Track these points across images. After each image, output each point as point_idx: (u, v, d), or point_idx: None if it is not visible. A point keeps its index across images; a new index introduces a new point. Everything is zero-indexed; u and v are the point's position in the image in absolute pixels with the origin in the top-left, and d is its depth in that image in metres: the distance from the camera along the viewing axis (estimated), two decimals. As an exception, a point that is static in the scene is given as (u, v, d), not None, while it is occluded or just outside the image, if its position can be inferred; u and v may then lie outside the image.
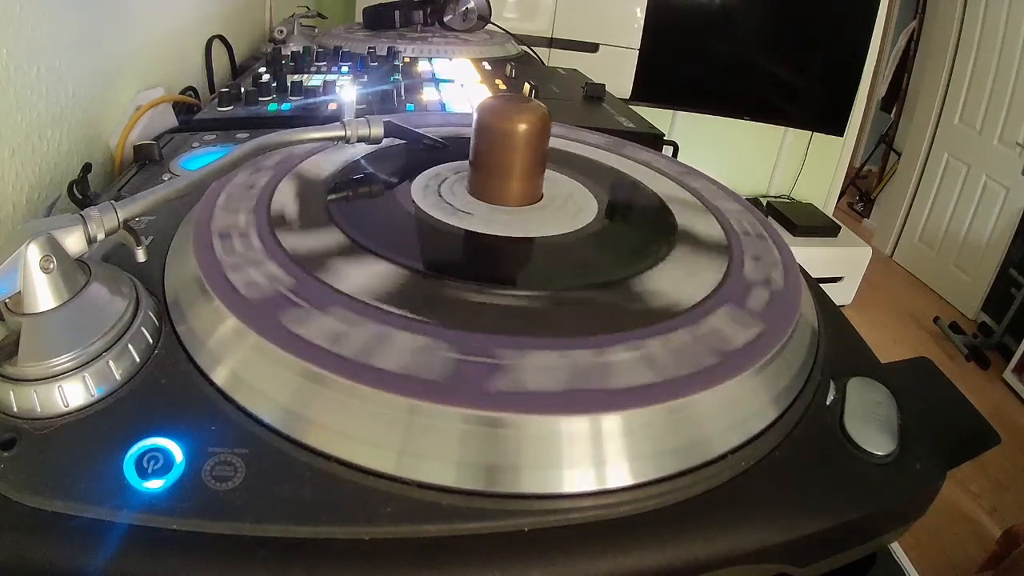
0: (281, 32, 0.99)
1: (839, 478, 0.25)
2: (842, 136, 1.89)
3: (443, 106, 0.66)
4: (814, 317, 0.33)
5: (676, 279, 0.31)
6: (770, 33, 1.74)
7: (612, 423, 0.23)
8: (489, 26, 1.09)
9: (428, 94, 0.70)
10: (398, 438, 0.22)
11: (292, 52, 0.82)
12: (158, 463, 0.21)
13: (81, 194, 0.48)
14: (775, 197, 2.13)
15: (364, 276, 0.29)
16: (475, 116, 0.36)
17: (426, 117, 0.55)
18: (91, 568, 0.19)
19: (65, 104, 0.51)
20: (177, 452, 0.22)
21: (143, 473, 0.21)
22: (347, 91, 0.43)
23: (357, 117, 0.38)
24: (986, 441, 0.30)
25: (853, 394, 0.28)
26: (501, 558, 0.21)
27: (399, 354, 0.24)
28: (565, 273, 0.33)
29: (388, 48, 0.86)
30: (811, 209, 2.06)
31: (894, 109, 2.74)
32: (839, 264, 1.91)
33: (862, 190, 2.90)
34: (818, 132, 1.88)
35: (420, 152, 0.43)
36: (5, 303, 0.24)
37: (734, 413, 0.25)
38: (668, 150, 0.64)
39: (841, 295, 1.93)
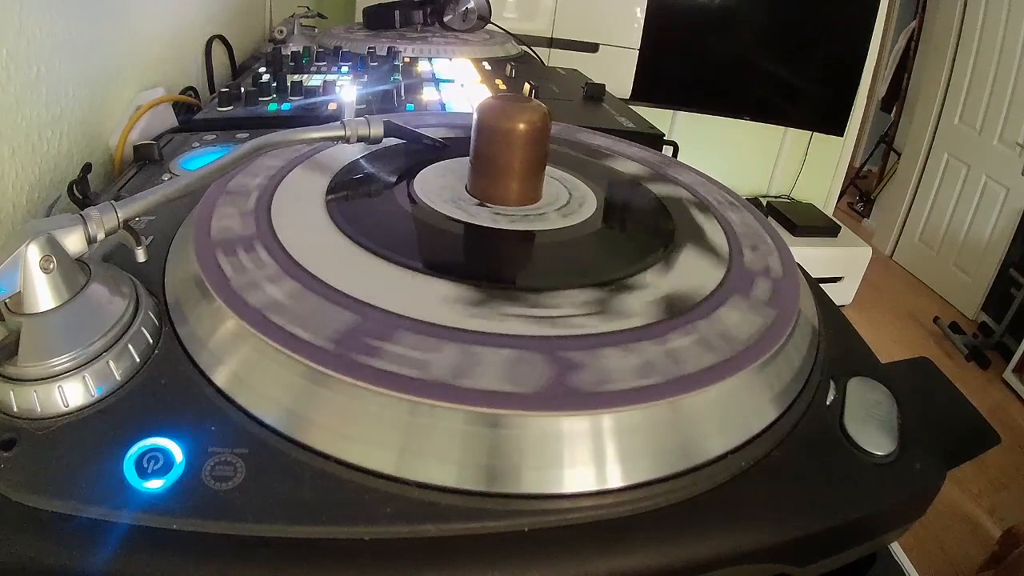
0: (281, 32, 0.99)
1: (839, 478, 0.25)
2: (842, 136, 1.89)
3: (443, 106, 0.66)
4: (814, 317, 0.33)
5: (675, 279, 0.31)
6: (770, 33, 1.74)
7: (612, 423, 0.23)
8: (489, 26, 1.09)
9: (428, 94, 0.70)
10: (398, 438, 0.22)
11: (292, 52, 0.82)
12: (158, 463, 0.21)
13: (81, 194, 0.48)
14: (775, 197, 2.13)
15: (364, 276, 0.29)
16: (475, 116, 0.36)
17: (425, 117, 0.55)
18: (91, 568, 0.19)
19: (65, 104, 0.51)
20: (177, 452, 0.22)
21: (143, 473, 0.21)
22: (347, 91, 0.43)
23: (357, 117, 0.38)
24: (986, 441, 0.30)
25: (853, 394, 0.28)
26: (501, 558, 0.21)
27: (399, 354, 0.24)
28: (564, 273, 0.33)
29: (388, 48, 0.86)
30: (811, 209, 2.06)
31: (894, 109, 2.74)
32: (839, 264, 1.91)
33: (862, 190, 2.90)
34: (818, 132, 1.88)
35: (420, 152, 0.43)
36: (5, 303, 0.24)
37: (734, 413, 0.25)
38: (668, 150, 0.64)
39: (841, 295, 1.93)
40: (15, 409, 0.23)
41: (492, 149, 0.36)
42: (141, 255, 0.28)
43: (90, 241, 0.25)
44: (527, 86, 0.73)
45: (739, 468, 0.24)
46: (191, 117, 0.60)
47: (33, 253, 0.23)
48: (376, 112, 0.54)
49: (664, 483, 0.23)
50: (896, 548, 0.30)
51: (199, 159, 0.48)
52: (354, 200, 0.38)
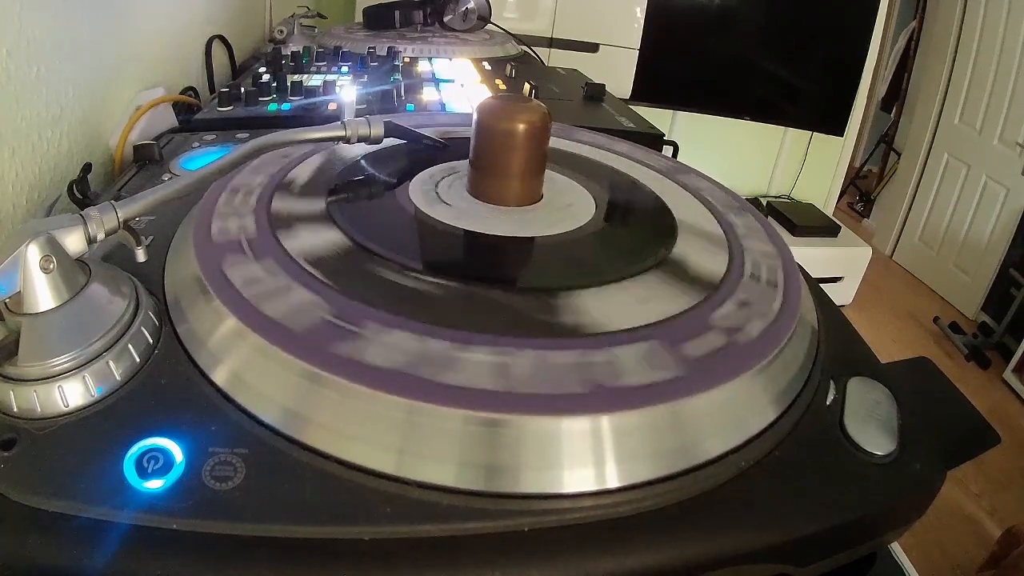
0: (281, 32, 0.99)
1: (839, 478, 0.25)
2: (842, 136, 1.89)
3: (443, 106, 0.66)
4: (814, 317, 0.33)
5: (675, 279, 0.31)
6: (770, 33, 1.74)
7: (612, 423, 0.23)
8: (489, 26, 1.09)
9: (428, 94, 0.70)
10: (398, 438, 0.22)
11: (292, 52, 0.82)
12: (158, 463, 0.21)
13: (81, 194, 0.48)
14: (775, 197, 2.13)
15: (364, 276, 0.29)
16: (475, 116, 0.36)
17: (425, 117, 0.55)
18: (91, 568, 0.19)
19: (65, 104, 0.51)
20: (177, 452, 0.22)
21: (143, 473, 0.21)
22: (347, 91, 0.43)
23: (357, 117, 0.38)
24: (986, 441, 0.30)
25: (853, 394, 0.28)
26: (501, 558, 0.21)
27: (399, 354, 0.24)
28: (564, 273, 0.33)
29: (388, 48, 0.86)
30: (811, 209, 2.06)
31: (894, 109, 2.74)
32: (839, 264, 1.91)
33: (862, 190, 2.90)
34: (818, 132, 1.88)
35: (420, 152, 0.43)
36: (5, 303, 0.24)
37: (734, 413, 0.25)
38: (668, 150, 0.64)
39: (841, 295, 1.93)
40: (15, 409, 0.23)
41: (492, 149, 0.36)
42: (141, 255, 0.28)
43: (90, 241, 0.25)
44: (527, 86, 0.73)
45: (739, 468, 0.24)
46: (191, 117, 0.60)
47: (33, 253, 0.23)
48: (376, 112, 0.54)
49: (664, 483, 0.23)
50: (896, 548, 0.30)
51: (199, 159, 0.48)
52: (354, 200, 0.38)
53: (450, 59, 0.89)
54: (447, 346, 0.25)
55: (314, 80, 0.70)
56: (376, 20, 1.03)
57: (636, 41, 1.66)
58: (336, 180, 0.39)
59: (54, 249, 0.24)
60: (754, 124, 1.83)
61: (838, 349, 0.32)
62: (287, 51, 0.84)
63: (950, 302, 2.19)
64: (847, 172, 2.22)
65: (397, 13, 1.02)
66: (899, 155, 2.60)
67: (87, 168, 0.52)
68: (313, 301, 0.27)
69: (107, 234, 0.26)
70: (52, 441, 0.22)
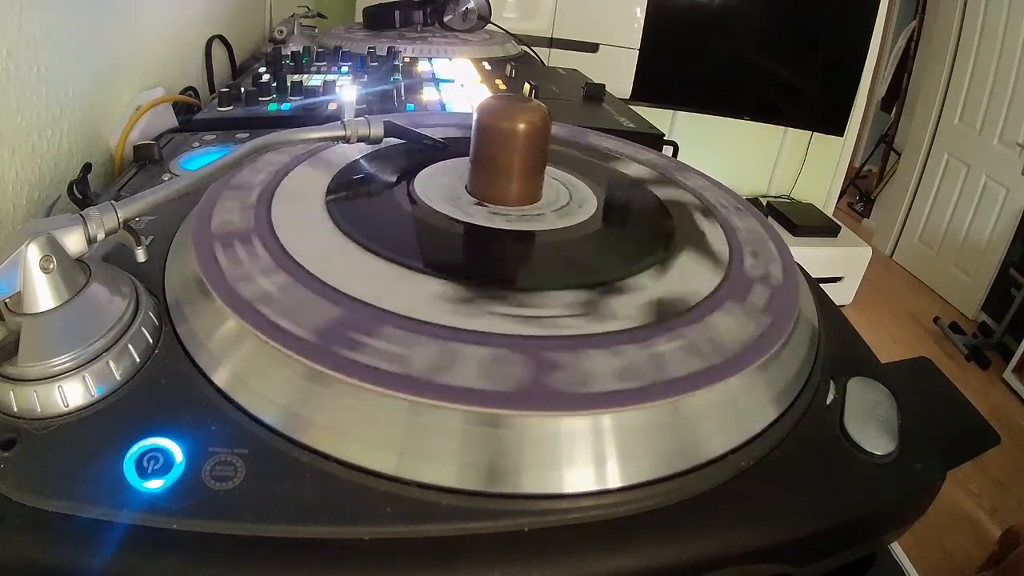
0: (281, 32, 0.99)
1: (839, 478, 0.25)
2: (842, 136, 1.89)
3: (443, 106, 0.66)
4: (814, 317, 0.33)
5: (675, 279, 0.31)
6: (770, 33, 1.74)
7: (612, 423, 0.23)
8: (489, 26, 1.09)
9: (428, 94, 0.70)
10: (398, 438, 0.22)
11: (292, 52, 0.82)
12: (158, 463, 0.21)
13: (81, 194, 0.48)
14: (775, 197, 2.13)
15: (364, 275, 0.29)
16: (475, 116, 0.36)
17: (426, 117, 0.55)
18: (91, 568, 0.19)
19: (65, 104, 0.51)
20: (177, 452, 0.22)
21: (143, 473, 0.21)
22: (347, 91, 0.43)
23: (357, 117, 0.38)
24: (986, 441, 0.30)
25: (853, 394, 0.28)
26: (501, 558, 0.21)
27: (399, 354, 0.24)
28: (564, 272, 0.33)
29: (388, 48, 0.86)
30: (811, 209, 2.06)
31: (894, 109, 2.74)
32: (839, 264, 1.91)
33: (862, 190, 2.90)
34: (818, 132, 1.88)
35: (420, 152, 0.43)
36: (5, 303, 0.24)
37: (734, 413, 0.25)
38: (668, 150, 0.64)
39: (841, 295, 1.92)
40: (15, 409, 0.23)
41: (492, 149, 0.36)
42: (141, 255, 0.28)
43: (90, 241, 0.25)
44: (527, 86, 0.73)
45: (739, 468, 0.24)
46: (191, 117, 0.60)
47: (33, 253, 0.23)
48: (376, 112, 0.54)
49: (664, 483, 0.23)
50: (896, 548, 0.30)
51: (199, 159, 0.48)
52: (354, 200, 0.38)
53: (450, 59, 0.89)
54: (447, 346, 0.25)
55: (314, 80, 0.70)
56: (376, 20, 1.03)
57: (636, 41, 1.66)
58: (336, 180, 0.39)
59: (54, 249, 0.24)
60: (754, 124, 1.82)
61: (838, 349, 0.32)
62: (287, 51, 0.84)
63: (950, 302, 2.19)
64: (847, 172, 2.22)
65: (397, 13, 1.02)
66: (899, 155, 2.60)
67: (87, 168, 0.52)
68: (313, 301, 0.27)
69: (107, 234, 0.26)
70: (52, 441, 0.22)
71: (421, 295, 0.28)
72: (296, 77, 0.68)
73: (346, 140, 0.38)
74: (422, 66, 0.84)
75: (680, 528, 0.22)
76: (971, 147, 2.13)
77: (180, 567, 0.20)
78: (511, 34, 1.08)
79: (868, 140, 2.89)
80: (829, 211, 2.13)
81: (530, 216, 0.36)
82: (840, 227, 1.97)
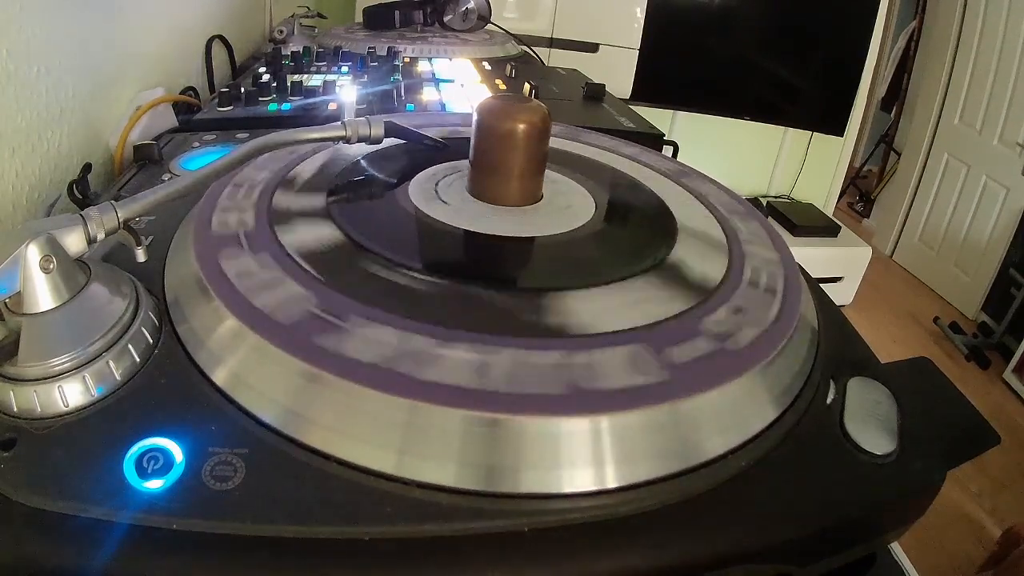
0: (281, 32, 0.99)
1: (839, 478, 0.25)
2: (842, 136, 1.89)
3: (443, 106, 0.66)
4: (814, 317, 0.33)
5: (675, 280, 0.31)
6: (770, 33, 1.74)
7: (612, 423, 0.23)
8: (489, 26, 1.09)
9: (428, 94, 0.70)
10: (398, 438, 0.22)
11: (292, 52, 0.82)
12: (158, 463, 0.21)
13: (81, 194, 0.48)
14: (775, 197, 2.13)
15: (364, 276, 0.29)
16: (475, 116, 0.36)
17: (426, 117, 0.55)
18: (91, 568, 0.19)
19: (65, 104, 0.51)
20: (177, 452, 0.22)
21: (143, 473, 0.21)
22: (347, 91, 0.43)
23: (357, 117, 0.38)
24: (986, 441, 0.30)
25: (853, 394, 0.28)
26: (501, 558, 0.21)
27: (399, 354, 0.24)
28: (564, 273, 0.33)
29: (388, 48, 0.86)
30: (811, 209, 2.06)
31: (894, 109, 2.74)
32: (839, 264, 1.91)
33: (862, 190, 2.90)
34: (818, 132, 1.88)
35: (420, 152, 0.43)
36: (5, 303, 0.24)
37: (734, 413, 0.25)
38: (668, 150, 0.64)
39: (841, 295, 1.92)
40: (15, 409, 0.23)
41: (492, 149, 0.36)
42: (141, 255, 0.28)
43: (90, 241, 0.25)
44: (527, 86, 0.73)
45: (739, 468, 0.24)
46: (191, 117, 0.60)
47: (33, 253, 0.23)
48: (376, 112, 0.54)
49: (664, 483, 0.23)
50: (896, 548, 0.30)
51: (199, 159, 0.48)
52: (354, 200, 0.38)
53: (450, 59, 0.89)
54: (447, 346, 0.25)
55: (314, 80, 0.70)
56: (376, 20, 1.03)
57: (636, 41, 1.66)
58: (336, 180, 0.39)
59: (54, 249, 0.24)
60: (754, 124, 1.82)
61: (838, 349, 0.32)
62: (287, 51, 0.84)
63: (950, 302, 2.19)
64: (847, 172, 2.22)
65: (397, 13, 1.02)
66: (899, 155, 2.60)
67: (87, 168, 0.52)
68: (313, 301, 0.27)
69: (107, 234, 0.26)
70: (52, 441, 0.22)
71: (421, 295, 0.28)
72: (296, 77, 0.68)
73: (346, 140, 0.38)
74: (422, 66, 0.84)
75: (680, 528, 0.22)
76: (971, 147, 2.13)
77: (180, 567, 0.20)
78: (511, 34, 1.08)
79: (868, 140, 2.89)
80: (829, 211, 2.13)
81: (531, 216, 0.36)
82: (840, 227, 1.97)
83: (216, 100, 0.63)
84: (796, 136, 2.02)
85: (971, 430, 0.31)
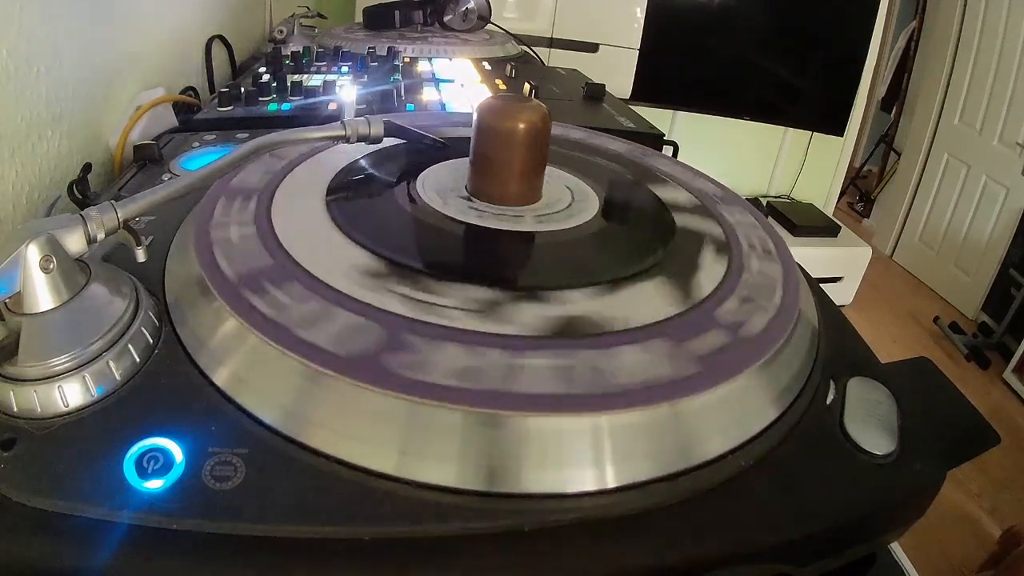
0: (281, 32, 0.99)
1: (839, 478, 0.25)
2: (842, 136, 1.89)
3: (443, 106, 0.66)
4: (814, 317, 0.33)
5: (675, 279, 0.31)
6: (770, 33, 1.74)
7: (612, 423, 0.23)
8: (489, 26, 1.09)
9: (428, 94, 0.70)
10: (398, 438, 0.22)
11: (292, 52, 0.82)
12: (158, 463, 0.21)
13: (81, 194, 0.48)
14: (775, 197, 2.13)
15: (364, 276, 0.29)
16: (475, 116, 0.36)
17: (425, 117, 0.55)
18: (91, 568, 0.19)
19: (65, 104, 0.51)
20: (177, 452, 0.22)
21: (143, 473, 0.21)
22: (347, 91, 0.43)
23: (357, 117, 0.38)
24: (986, 441, 0.30)
25: (853, 394, 0.28)
26: (501, 558, 0.21)
27: (399, 354, 0.24)
28: (564, 273, 0.33)
29: (388, 48, 0.86)
30: (811, 209, 2.06)
31: (894, 109, 2.74)
32: (839, 264, 1.91)
33: (862, 190, 2.90)
34: (818, 132, 1.88)
35: (420, 152, 0.43)
36: (5, 303, 0.24)
37: (734, 413, 0.25)
38: (668, 150, 0.64)
39: (841, 295, 1.92)
40: (15, 409, 0.23)
41: (492, 149, 0.36)
42: (141, 255, 0.28)
43: (90, 241, 0.25)
44: (527, 86, 0.73)
45: (739, 468, 0.24)
46: (191, 117, 0.60)
47: (33, 253, 0.23)
48: (376, 112, 0.54)
49: (664, 483, 0.23)
50: (896, 548, 0.30)
51: (199, 159, 0.48)
52: (354, 200, 0.38)
53: (450, 59, 0.89)
54: (447, 346, 0.25)
55: (314, 80, 0.70)
56: (376, 20, 1.03)
57: (636, 41, 1.66)
58: (336, 180, 0.39)
59: (54, 249, 0.24)
60: (754, 124, 1.82)
61: (838, 349, 0.32)
62: (287, 51, 0.84)
63: (950, 302, 2.19)
64: (847, 172, 2.22)
65: (397, 13, 1.02)
66: (899, 155, 2.60)
67: (87, 168, 0.52)
68: (313, 301, 0.27)
69: (107, 234, 0.26)
70: (52, 441, 0.22)
71: (421, 296, 0.28)
72: (296, 77, 0.68)
73: (346, 140, 0.38)
74: (422, 66, 0.84)
75: (680, 528, 0.22)
76: (971, 147, 2.13)
77: (180, 567, 0.20)
78: (511, 34, 1.08)
79: (868, 140, 2.89)
80: (829, 211, 2.13)
81: (530, 216, 0.36)
82: (840, 227, 1.97)
83: (216, 100, 0.62)
84: (796, 136, 2.02)
85: (971, 430, 0.31)
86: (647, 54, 1.65)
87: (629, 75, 1.66)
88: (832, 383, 0.29)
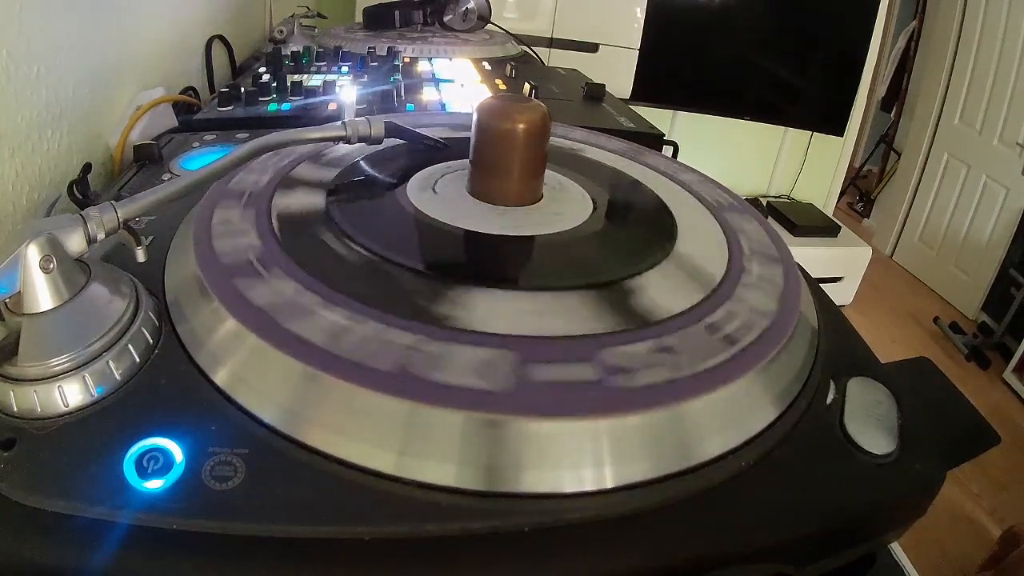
0: (281, 32, 0.99)
1: (839, 478, 0.25)
2: (842, 136, 1.89)
3: (443, 106, 0.66)
4: (814, 317, 0.33)
5: (675, 279, 0.31)
6: (770, 33, 1.74)
7: (612, 424, 0.23)
8: (489, 26, 1.09)
9: (428, 94, 0.70)
10: (398, 438, 0.22)
11: (292, 52, 0.82)
12: (158, 463, 0.21)
13: (81, 194, 0.48)
14: (775, 197, 2.13)
15: (364, 276, 0.29)
16: (475, 116, 0.36)
17: (426, 117, 0.55)
18: (91, 568, 0.19)
19: (65, 104, 0.51)
20: (177, 452, 0.22)
21: (143, 473, 0.21)
22: (347, 91, 0.43)
23: (357, 117, 0.38)
24: (986, 441, 0.30)
25: (853, 394, 0.28)
26: (501, 558, 0.21)
27: (399, 355, 0.24)
28: (563, 273, 0.33)
29: (388, 48, 0.86)
30: (811, 209, 2.06)
31: (894, 109, 2.74)
32: (839, 264, 1.91)
33: (862, 190, 2.90)
34: (818, 132, 1.88)
35: (420, 152, 0.43)
36: (5, 303, 0.24)
37: (734, 413, 0.25)
38: (668, 150, 0.64)
39: (841, 295, 1.92)
40: (15, 409, 0.23)
41: (492, 149, 0.36)
42: (141, 255, 0.28)
43: (90, 241, 0.25)
44: (527, 86, 0.73)
45: (739, 468, 0.24)
46: (191, 117, 0.60)
47: (33, 253, 0.23)
48: (376, 112, 0.54)
49: (664, 483, 0.23)
50: (896, 548, 0.30)
51: (199, 159, 0.48)
52: (354, 200, 0.38)
53: (450, 59, 0.89)
54: (447, 346, 0.25)
55: (314, 80, 0.70)
56: (376, 20, 1.03)
57: (636, 41, 1.66)
58: (336, 180, 0.39)
59: (54, 249, 0.24)
60: (754, 124, 1.82)
61: (838, 349, 0.32)
62: (287, 51, 0.84)
63: (950, 302, 2.19)
64: (847, 172, 2.22)
65: (397, 13, 1.02)
66: (899, 155, 2.60)
67: (87, 168, 0.52)
68: (313, 301, 0.27)
69: (107, 234, 0.26)
70: (52, 441, 0.22)
71: (420, 296, 0.28)
72: (296, 77, 0.68)
73: (346, 140, 0.38)
74: (422, 66, 0.84)
75: (680, 528, 0.22)
76: (971, 147, 2.13)
77: (180, 567, 0.20)
78: (511, 34, 1.08)
79: (868, 140, 2.89)
80: (829, 211, 2.13)
81: (531, 216, 0.36)
82: (840, 227, 1.97)
83: (216, 100, 0.62)
84: (796, 136, 2.02)
85: (971, 430, 0.31)
86: (647, 54, 1.65)
87: (629, 75, 1.66)
88: (832, 383, 0.29)
